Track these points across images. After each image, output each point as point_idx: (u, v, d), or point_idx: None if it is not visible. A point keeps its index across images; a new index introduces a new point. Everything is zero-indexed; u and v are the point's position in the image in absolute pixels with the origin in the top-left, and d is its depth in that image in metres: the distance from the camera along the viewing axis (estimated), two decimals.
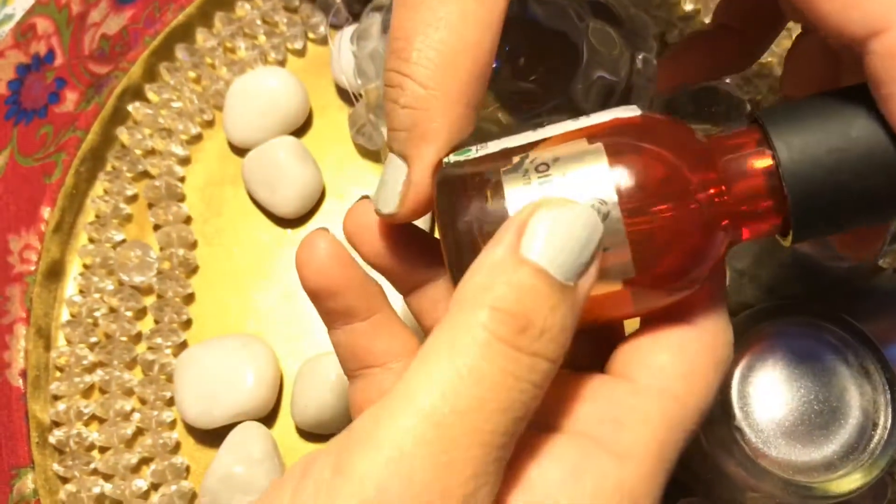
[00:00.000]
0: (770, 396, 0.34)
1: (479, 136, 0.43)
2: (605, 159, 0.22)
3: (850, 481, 0.33)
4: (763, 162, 0.23)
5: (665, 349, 0.24)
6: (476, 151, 0.25)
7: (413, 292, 0.28)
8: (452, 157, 0.25)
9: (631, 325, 0.25)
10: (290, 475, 0.21)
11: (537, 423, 0.24)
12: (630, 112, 0.24)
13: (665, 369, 0.23)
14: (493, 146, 0.25)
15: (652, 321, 0.24)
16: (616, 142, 0.22)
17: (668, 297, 0.23)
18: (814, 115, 0.23)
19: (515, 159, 0.23)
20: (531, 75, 0.43)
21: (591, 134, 0.23)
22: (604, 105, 0.43)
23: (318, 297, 0.27)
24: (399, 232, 0.27)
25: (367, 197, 0.27)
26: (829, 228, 0.23)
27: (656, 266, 0.22)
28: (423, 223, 0.46)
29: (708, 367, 0.24)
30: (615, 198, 0.22)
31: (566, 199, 0.21)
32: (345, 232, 0.28)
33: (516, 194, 0.22)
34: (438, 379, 0.20)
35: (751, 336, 0.35)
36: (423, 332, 0.29)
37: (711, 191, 0.23)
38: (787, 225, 0.23)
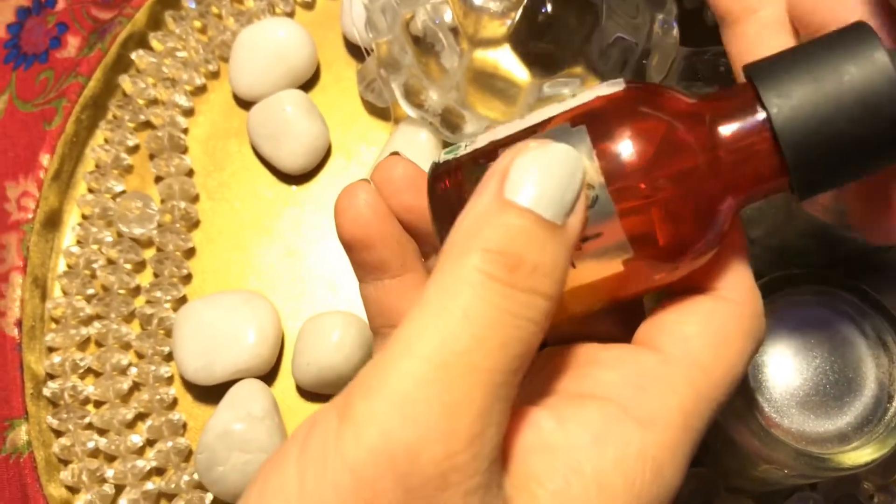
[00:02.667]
0: (784, 366, 0.34)
1: (498, 96, 0.42)
2: (587, 142, 0.22)
3: (864, 454, 0.32)
4: (755, 121, 0.22)
5: (691, 319, 0.23)
6: (465, 147, 0.25)
7: (434, 254, 0.28)
8: (442, 156, 0.25)
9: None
10: (300, 430, 0.21)
11: (562, 390, 0.23)
12: (614, 87, 0.23)
13: (691, 339, 0.23)
14: (482, 140, 0.24)
15: (677, 293, 0.24)
16: (598, 122, 0.22)
17: (678, 270, 0.23)
18: (804, 64, 0.22)
19: (501, 152, 0.23)
20: (548, 35, 0.42)
21: (574, 116, 0.22)
22: (622, 68, 0.43)
23: (352, 247, 0.27)
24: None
25: (396, 153, 0.27)
26: (833, 180, 0.22)
27: (655, 242, 0.22)
28: None
29: (736, 336, 0.23)
30: (602, 180, 0.21)
31: (544, 141, 0.21)
32: (373, 182, 0.27)
33: None
34: (435, 322, 0.19)
35: (766, 305, 0.34)
36: None
37: (705, 158, 0.22)
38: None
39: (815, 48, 0.22)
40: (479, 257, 0.20)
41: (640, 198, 0.21)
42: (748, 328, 0.23)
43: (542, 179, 0.20)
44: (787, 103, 0.21)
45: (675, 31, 0.42)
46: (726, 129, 0.22)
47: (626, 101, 0.22)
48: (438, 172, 0.25)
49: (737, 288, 0.24)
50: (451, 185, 0.24)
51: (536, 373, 0.24)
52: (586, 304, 0.24)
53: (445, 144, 0.46)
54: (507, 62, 0.42)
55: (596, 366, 0.23)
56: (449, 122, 0.43)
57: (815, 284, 0.34)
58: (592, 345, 0.25)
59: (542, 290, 0.20)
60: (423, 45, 0.42)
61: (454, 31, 0.42)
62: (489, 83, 0.42)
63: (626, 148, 0.21)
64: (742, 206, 0.23)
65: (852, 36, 0.22)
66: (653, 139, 0.22)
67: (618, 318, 0.26)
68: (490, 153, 0.24)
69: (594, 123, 0.22)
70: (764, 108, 0.22)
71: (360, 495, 0.19)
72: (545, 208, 0.20)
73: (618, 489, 0.21)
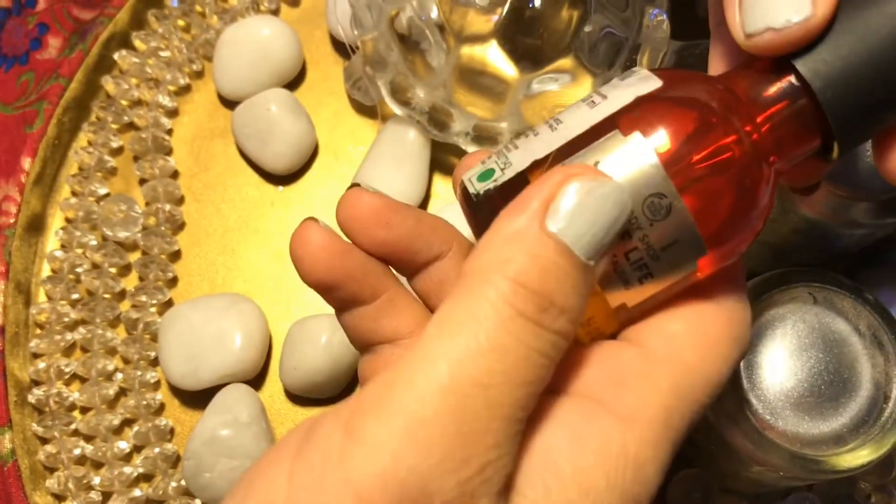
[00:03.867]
0: (779, 366, 0.33)
1: (486, 94, 0.41)
2: (647, 150, 0.21)
3: (860, 455, 0.32)
4: (786, 81, 0.22)
5: (679, 319, 0.23)
6: (502, 172, 0.23)
7: (417, 275, 0.27)
8: (477, 183, 0.23)
9: None
10: (290, 440, 0.20)
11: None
12: (647, 82, 0.22)
13: (677, 337, 0.22)
14: (517, 160, 0.23)
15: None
16: (650, 126, 0.21)
17: (734, 256, 0.23)
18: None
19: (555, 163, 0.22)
20: (535, 30, 0.41)
21: (623, 123, 0.22)
22: (611, 63, 0.42)
23: (320, 290, 0.26)
24: (394, 216, 0.26)
25: (357, 185, 0.26)
26: (872, 129, 0.22)
27: (725, 235, 0.22)
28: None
29: (722, 339, 0.23)
30: (673, 189, 0.21)
31: (597, 172, 0.20)
32: (338, 222, 0.26)
33: None
34: (458, 349, 0.19)
35: (760, 304, 0.34)
36: (430, 312, 0.28)
37: (753, 136, 0.22)
38: (829, 140, 0.22)
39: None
40: (510, 289, 0.19)
41: (710, 197, 0.21)
42: (736, 334, 0.23)
43: (590, 217, 0.20)
44: (819, 61, 0.21)
45: (666, 25, 0.41)
46: (767, 101, 0.22)
47: (669, 99, 0.22)
48: (482, 199, 0.23)
49: (728, 294, 0.23)
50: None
51: None
52: (651, 306, 0.23)
53: (434, 143, 0.45)
54: (495, 58, 0.41)
55: (576, 363, 0.23)
56: (436, 121, 0.43)
57: (809, 282, 0.34)
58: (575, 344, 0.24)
59: (566, 331, 0.20)
60: (409, 42, 0.42)
61: (440, 27, 0.41)
62: (476, 80, 0.41)
63: (687, 147, 0.21)
64: (782, 173, 0.23)
65: None
66: (707, 132, 0.21)
67: None
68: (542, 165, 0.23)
69: (647, 128, 0.21)
70: (796, 71, 0.22)
71: None
72: (584, 249, 0.20)
73: (600, 489, 0.20)
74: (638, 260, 0.21)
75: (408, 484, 0.18)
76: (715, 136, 0.21)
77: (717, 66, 0.26)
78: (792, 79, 0.22)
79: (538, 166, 0.22)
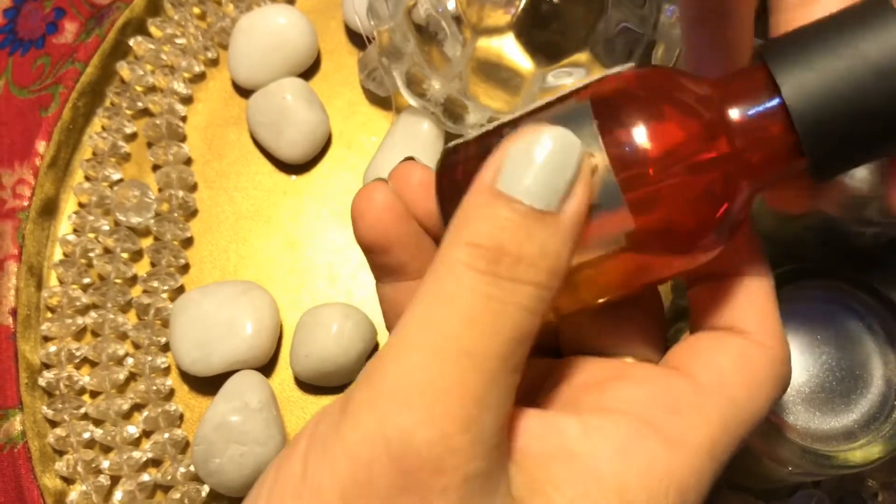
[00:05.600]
0: (791, 362, 0.33)
1: (501, 86, 0.41)
2: (592, 124, 0.21)
3: (871, 452, 0.32)
4: (769, 102, 0.21)
5: (726, 353, 0.23)
6: (472, 135, 0.24)
7: None
8: (451, 144, 0.24)
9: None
10: (308, 426, 0.21)
11: (590, 401, 0.23)
12: (623, 68, 0.22)
13: (726, 373, 0.23)
14: (490, 126, 0.24)
15: (708, 325, 0.24)
16: (605, 103, 0.21)
17: (692, 260, 0.22)
18: (818, 41, 0.21)
19: (507, 130, 0.22)
20: (552, 24, 0.41)
21: (579, 96, 0.22)
22: (627, 59, 0.42)
23: (371, 250, 0.26)
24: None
25: (411, 158, 0.26)
26: (851, 160, 0.22)
27: (664, 231, 0.21)
28: None
29: (768, 380, 0.23)
30: (608, 164, 0.21)
31: (537, 126, 0.20)
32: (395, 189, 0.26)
33: None
34: (426, 312, 0.20)
35: None
36: None
37: (717, 143, 0.21)
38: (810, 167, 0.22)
39: (829, 24, 0.21)
40: (464, 252, 0.20)
41: (648, 184, 0.21)
42: (779, 374, 0.23)
43: (533, 167, 0.20)
44: (800, 82, 0.21)
45: None
46: (738, 112, 0.21)
47: (633, 84, 0.22)
48: (444, 163, 0.24)
49: (769, 333, 0.24)
50: (457, 174, 0.23)
51: (563, 381, 0.24)
52: (598, 291, 0.23)
53: (448, 135, 0.45)
54: (511, 51, 0.41)
55: (625, 381, 0.23)
56: (451, 112, 0.43)
57: (823, 279, 0.34)
58: (622, 360, 0.25)
59: (528, 278, 0.20)
60: (426, 33, 0.42)
61: (457, 19, 0.41)
62: (492, 72, 0.41)
63: (633, 132, 0.21)
64: (757, 191, 0.22)
65: (868, 9, 0.21)
66: (661, 123, 0.21)
67: (646, 337, 0.26)
68: (493, 136, 0.23)
69: (600, 104, 0.21)
70: (777, 88, 0.21)
71: (357, 477, 0.19)
72: (536, 197, 0.20)
73: (640, 503, 0.20)
74: None
75: (393, 440, 0.18)
76: (668, 133, 0.21)
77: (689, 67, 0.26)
78: (772, 99, 0.21)
79: (503, 127, 0.23)
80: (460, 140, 0.25)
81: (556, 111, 0.22)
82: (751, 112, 0.21)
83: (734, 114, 0.21)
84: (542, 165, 0.20)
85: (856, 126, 0.21)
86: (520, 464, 0.20)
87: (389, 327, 0.28)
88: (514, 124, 0.23)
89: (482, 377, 0.19)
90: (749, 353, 0.23)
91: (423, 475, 0.18)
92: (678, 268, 0.22)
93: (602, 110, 0.21)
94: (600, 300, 0.24)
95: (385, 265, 0.26)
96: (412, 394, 0.19)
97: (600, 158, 0.21)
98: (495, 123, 0.24)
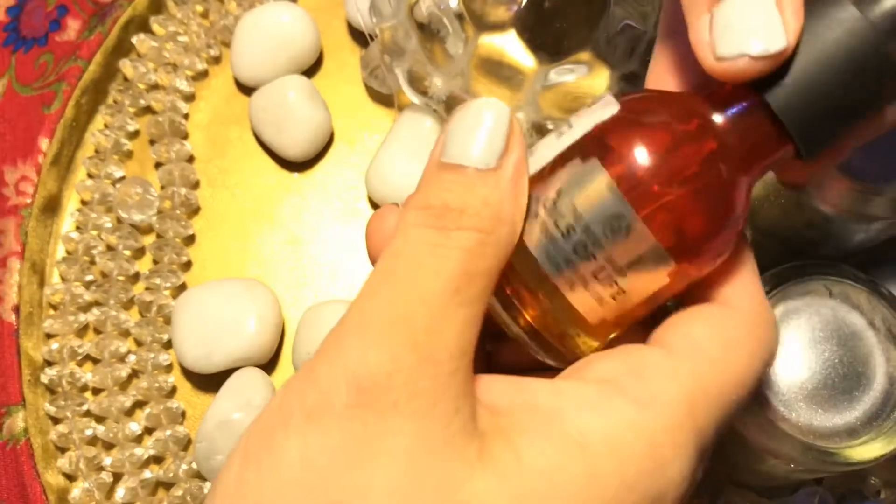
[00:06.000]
0: (793, 359, 0.33)
1: (503, 83, 0.41)
2: (604, 173, 0.22)
3: (873, 449, 0.32)
4: (749, 101, 0.23)
5: (700, 323, 0.24)
6: None
7: None
8: None
9: None
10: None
11: (564, 376, 0.24)
12: (609, 108, 0.23)
13: (699, 338, 0.23)
14: None
15: (689, 301, 0.25)
16: (608, 150, 0.22)
17: (715, 260, 0.23)
18: None
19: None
20: (554, 21, 0.41)
21: (583, 150, 0.23)
22: (629, 56, 0.42)
23: None
24: None
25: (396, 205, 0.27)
26: (835, 136, 0.23)
27: (691, 244, 0.22)
28: None
29: (746, 340, 0.23)
30: (629, 207, 0.22)
31: (468, 102, 0.23)
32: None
33: (543, 247, 0.23)
34: (381, 268, 0.22)
35: (775, 297, 0.34)
36: None
37: (712, 149, 0.22)
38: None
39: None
40: (413, 214, 0.22)
41: (669, 212, 0.22)
42: (760, 335, 0.24)
43: (467, 134, 0.22)
44: (774, 76, 0.22)
45: None
46: (724, 117, 0.23)
47: (625, 121, 0.23)
48: None
49: (746, 298, 0.24)
50: None
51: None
52: (636, 316, 0.24)
53: None
54: (513, 48, 0.41)
55: (602, 358, 0.23)
56: (453, 110, 0.43)
57: (824, 276, 0.34)
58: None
59: (470, 225, 0.22)
60: (428, 30, 0.42)
61: (459, 16, 0.41)
62: (494, 69, 0.41)
63: (641, 167, 0.22)
64: (756, 180, 0.24)
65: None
66: (664, 157, 0.22)
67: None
68: None
69: (605, 154, 0.22)
70: (754, 87, 0.22)
71: (319, 399, 0.20)
72: (472, 158, 0.22)
73: (600, 453, 0.21)
74: (607, 278, 0.22)
75: (348, 363, 0.20)
76: (672, 154, 0.22)
77: (660, 79, 0.26)
78: (752, 95, 0.22)
79: None
80: None
81: (566, 179, 0.23)
82: (735, 113, 0.23)
83: (720, 118, 0.23)
84: (478, 131, 0.22)
85: (833, 104, 0.22)
86: (491, 411, 0.22)
87: None
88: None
89: (429, 311, 0.21)
90: (724, 318, 0.23)
91: (375, 392, 0.20)
92: (699, 273, 0.23)
93: (607, 158, 0.22)
94: (632, 324, 0.25)
95: None
96: (367, 328, 0.21)
97: (620, 204, 0.22)
98: None
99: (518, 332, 0.23)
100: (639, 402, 0.21)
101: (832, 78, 0.22)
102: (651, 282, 0.23)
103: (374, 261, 0.27)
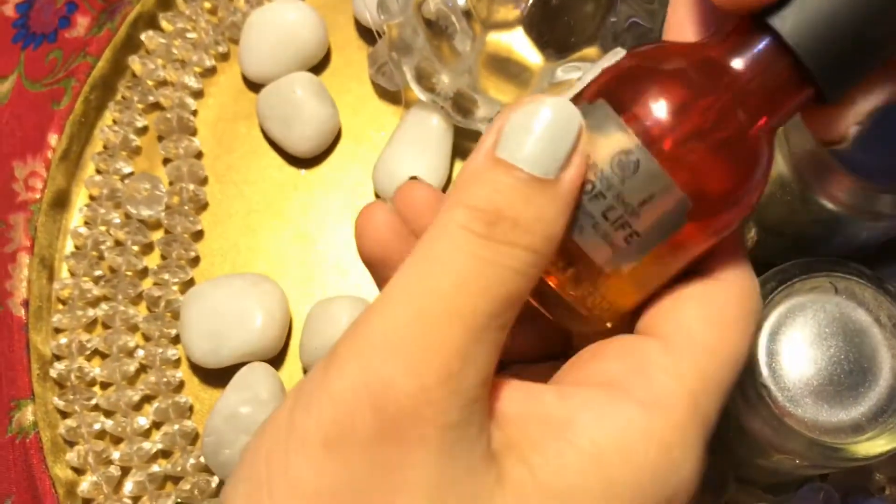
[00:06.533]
0: (798, 355, 0.33)
1: (511, 80, 0.42)
2: (611, 113, 0.21)
3: (878, 444, 0.32)
4: (765, 42, 0.22)
5: (689, 304, 0.23)
6: None
7: None
8: None
9: None
10: (295, 385, 0.22)
11: (567, 378, 0.23)
12: (616, 56, 0.23)
13: (693, 322, 0.23)
14: None
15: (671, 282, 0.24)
16: (616, 92, 0.22)
17: (740, 210, 0.23)
18: None
19: None
20: (561, 18, 0.41)
21: (590, 94, 0.22)
22: None
23: (371, 264, 0.27)
24: None
25: (415, 178, 0.27)
26: (858, 72, 0.22)
27: (711, 190, 0.22)
28: None
29: (736, 317, 0.23)
30: (638, 142, 0.21)
31: (537, 97, 0.21)
32: (397, 210, 0.27)
33: None
34: (418, 271, 0.20)
35: (781, 293, 0.34)
36: None
37: (730, 94, 0.22)
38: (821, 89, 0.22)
39: None
40: (462, 213, 0.20)
41: (681, 149, 0.21)
42: (747, 308, 0.23)
43: (532, 135, 0.21)
44: (789, 12, 0.21)
45: None
46: (740, 61, 0.22)
47: (634, 65, 0.22)
48: None
49: (730, 269, 0.24)
50: None
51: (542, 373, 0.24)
52: (659, 275, 0.23)
53: (457, 129, 0.45)
54: (520, 46, 0.41)
55: (602, 357, 0.23)
56: (461, 107, 0.43)
57: (830, 272, 0.34)
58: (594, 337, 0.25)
59: (523, 242, 0.20)
60: (436, 27, 0.42)
61: (467, 14, 0.42)
62: (502, 67, 0.42)
63: (652, 106, 0.21)
64: (778, 126, 0.23)
65: None
66: (674, 90, 0.21)
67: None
68: None
69: (612, 95, 0.22)
70: (768, 26, 0.21)
71: (339, 425, 0.19)
72: (534, 164, 0.21)
73: (614, 463, 0.21)
74: (618, 218, 0.22)
75: (374, 388, 0.19)
76: (683, 97, 0.21)
77: (679, 30, 0.25)
78: (766, 35, 0.22)
79: None
80: None
81: None
82: (751, 55, 0.22)
83: (736, 62, 0.22)
84: (542, 134, 0.21)
85: (852, 37, 0.21)
86: (499, 423, 0.21)
87: None
88: None
89: (467, 335, 0.20)
90: (712, 295, 0.23)
91: (401, 424, 0.19)
92: (726, 229, 0.23)
93: (615, 99, 0.21)
94: (654, 287, 0.24)
95: (386, 279, 0.27)
96: (396, 346, 0.19)
97: (629, 140, 0.21)
98: None
99: (539, 296, 0.23)
100: (646, 404, 0.21)
101: (853, 10, 0.21)
102: (666, 225, 0.22)
103: (366, 261, 0.26)
